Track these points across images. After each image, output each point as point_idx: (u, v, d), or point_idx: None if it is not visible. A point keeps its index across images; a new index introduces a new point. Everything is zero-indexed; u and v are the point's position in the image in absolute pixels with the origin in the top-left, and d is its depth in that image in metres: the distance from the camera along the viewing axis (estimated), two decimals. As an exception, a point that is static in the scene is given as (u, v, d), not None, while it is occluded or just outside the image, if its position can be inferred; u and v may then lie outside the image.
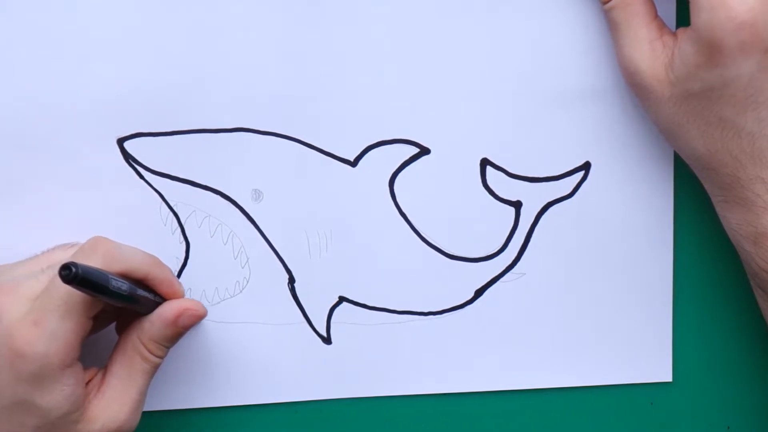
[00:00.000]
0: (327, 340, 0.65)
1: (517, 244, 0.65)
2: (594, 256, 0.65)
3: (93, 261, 0.56)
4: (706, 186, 0.61)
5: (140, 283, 0.59)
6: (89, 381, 0.59)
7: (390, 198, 0.64)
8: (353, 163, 0.64)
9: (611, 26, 0.61)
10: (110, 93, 0.61)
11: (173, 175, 0.62)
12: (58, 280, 0.54)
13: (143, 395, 0.59)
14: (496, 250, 0.65)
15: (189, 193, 0.63)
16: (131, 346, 0.59)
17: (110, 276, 0.56)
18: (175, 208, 0.63)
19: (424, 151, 0.64)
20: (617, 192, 0.65)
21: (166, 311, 0.59)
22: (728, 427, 0.68)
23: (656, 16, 0.60)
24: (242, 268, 0.64)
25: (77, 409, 0.57)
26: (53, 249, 0.61)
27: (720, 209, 0.61)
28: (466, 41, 0.63)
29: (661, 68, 0.58)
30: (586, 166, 0.65)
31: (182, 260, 0.63)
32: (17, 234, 0.62)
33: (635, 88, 0.60)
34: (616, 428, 0.67)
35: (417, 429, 0.66)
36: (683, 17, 0.61)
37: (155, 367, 0.60)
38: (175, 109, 0.62)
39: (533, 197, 0.65)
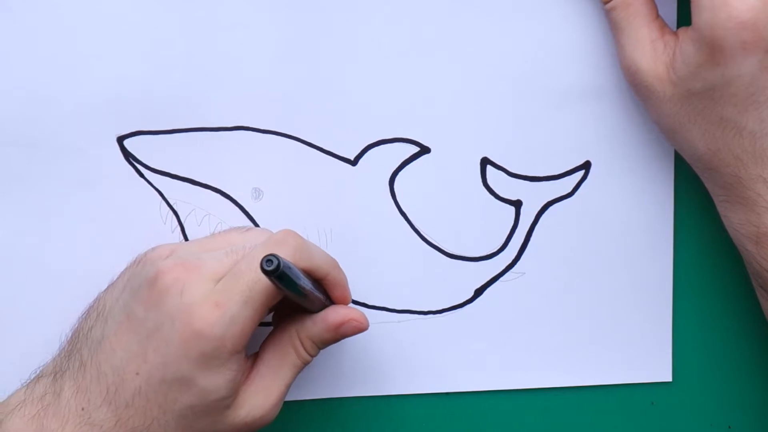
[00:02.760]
0: (327, 339, 0.65)
1: (517, 244, 0.65)
2: (594, 256, 0.65)
3: (283, 254, 0.55)
4: (708, 186, 0.61)
5: (316, 281, 0.59)
6: None
7: (390, 197, 0.64)
8: (353, 162, 0.63)
9: (612, 26, 0.61)
10: (110, 91, 0.61)
11: (173, 174, 0.62)
12: (244, 266, 0.55)
13: (288, 388, 0.59)
14: (496, 250, 0.65)
15: (189, 191, 0.63)
16: (288, 339, 0.59)
17: (300, 273, 0.56)
18: (174, 207, 0.63)
19: (425, 150, 0.64)
20: (617, 191, 0.65)
21: (331, 316, 0.59)
22: (729, 427, 0.68)
23: (657, 16, 0.60)
24: (242, 266, 0.63)
25: (232, 395, 0.57)
26: (228, 231, 0.61)
27: (722, 209, 0.61)
28: (467, 40, 0.63)
29: (662, 68, 0.58)
30: (586, 166, 0.65)
31: (182, 259, 0.63)
32: (16, 231, 0.62)
33: (636, 88, 0.60)
34: (616, 428, 0.67)
35: (417, 428, 0.66)
36: (684, 17, 0.61)
37: (305, 365, 0.59)
38: (175, 108, 0.62)
39: (533, 196, 0.65)
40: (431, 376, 0.66)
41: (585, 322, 0.66)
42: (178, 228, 0.63)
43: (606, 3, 0.60)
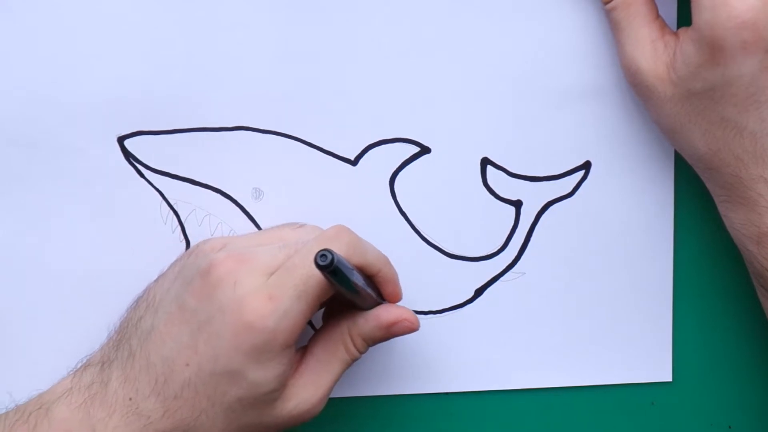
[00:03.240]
0: (327, 339, 0.65)
1: (518, 244, 0.65)
2: (594, 256, 0.65)
3: (336, 249, 0.55)
4: (709, 186, 0.61)
5: (367, 278, 0.59)
6: None
7: (390, 197, 0.64)
8: (354, 162, 0.63)
9: (613, 26, 0.61)
10: (111, 91, 0.61)
11: (173, 174, 0.62)
12: (297, 260, 0.55)
13: (334, 384, 0.59)
14: (496, 250, 0.65)
15: (189, 191, 0.63)
16: (338, 335, 0.59)
17: (353, 269, 0.56)
18: (175, 207, 0.63)
19: (425, 150, 0.64)
20: (617, 191, 0.65)
21: (383, 315, 0.59)
22: (730, 427, 0.68)
23: (657, 16, 0.60)
24: (242, 266, 0.63)
25: (281, 388, 0.57)
26: (281, 226, 0.62)
27: (723, 209, 0.61)
28: (467, 40, 0.63)
29: (663, 68, 0.58)
30: (586, 166, 0.65)
31: (182, 259, 0.63)
32: (16, 231, 0.62)
33: (637, 88, 0.60)
34: (616, 428, 0.67)
35: (416, 428, 0.66)
36: (684, 17, 0.61)
37: (353, 361, 0.59)
38: (176, 108, 0.62)
39: (533, 196, 0.65)
40: (431, 376, 0.66)
41: (585, 322, 0.66)
42: (179, 228, 0.63)
43: (606, 3, 0.60)
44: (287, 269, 0.56)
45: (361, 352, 0.59)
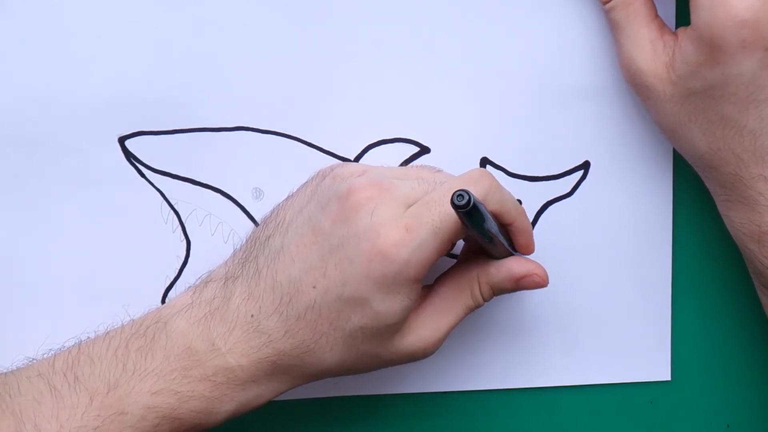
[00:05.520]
0: (327, 339, 0.65)
1: (517, 243, 0.65)
2: (593, 255, 0.65)
3: (475, 192, 0.55)
4: (709, 185, 0.62)
5: (502, 226, 0.58)
6: None
7: (390, 197, 0.64)
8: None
9: (612, 26, 0.61)
10: (112, 91, 0.61)
11: (174, 174, 0.62)
12: (437, 196, 0.55)
13: (452, 328, 0.59)
14: (495, 249, 0.65)
15: (190, 191, 0.63)
16: (467, 280, 0.59)
17: (488, 214, 0.55)
18: (175, 207, 0.63)
19: (424, 150, 0.64)
20: (616, 191, 0.65)
21: (515, 267, 0.59)
22: (728, 426, 0.68)
23: (656, 16, 0.60)
24: (242, 266, 0.63)
25: (403, 321, 0.57)
26: (420, 167, 0.62)
27: (723, 208, 0.61)
28: (467, 40, 0.63)
29: (662, 67, 0.58)
30: (585, 166, 0.65)
31: (183, 258, 0.63)
32: (16, 231, 0.62)
33: (637, 88, 0.60)
34: (615, 427, 0.67)
35: (416, 428, 0.66)
36: (683, 17, 0.62)
37: (476, 308, 0.59)
38: (176, 108, 0.62)
39: (533, 196, 0.65)
40: (431, 375, 0.66)
41: (584, 322, 0.66)
42: (179, 228, 0.63)
43: (605, 3, 0.60)
44: (426, 203, 0.56)
45: (486, 300, 0.59)
